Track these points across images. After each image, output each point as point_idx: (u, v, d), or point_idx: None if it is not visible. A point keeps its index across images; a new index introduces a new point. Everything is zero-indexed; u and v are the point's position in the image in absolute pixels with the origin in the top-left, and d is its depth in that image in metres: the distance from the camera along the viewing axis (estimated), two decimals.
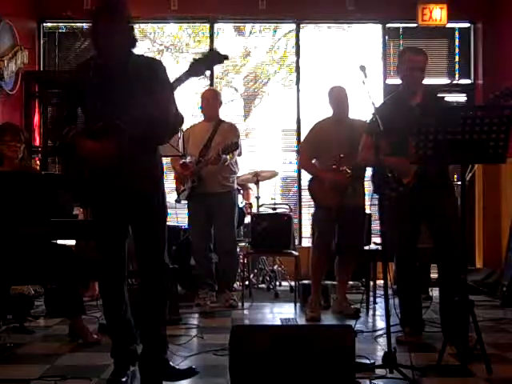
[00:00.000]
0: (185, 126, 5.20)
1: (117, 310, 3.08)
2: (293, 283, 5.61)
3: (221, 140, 5.07)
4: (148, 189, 2.97)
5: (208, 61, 2.78)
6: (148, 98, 2.77)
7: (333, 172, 4.46)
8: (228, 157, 4.97)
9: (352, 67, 6.58)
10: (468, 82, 7.14)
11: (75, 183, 2.95)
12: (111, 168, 2.81)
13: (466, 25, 7.13)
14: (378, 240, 5.23)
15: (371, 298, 5.12)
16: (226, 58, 2.79)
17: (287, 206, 6.87)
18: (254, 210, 6.24)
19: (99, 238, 3.06)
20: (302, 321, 4.56)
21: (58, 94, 3.09)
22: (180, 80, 2.79)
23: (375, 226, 5.61)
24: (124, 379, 2.98)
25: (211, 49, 2.95)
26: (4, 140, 3.98)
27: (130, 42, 2.97)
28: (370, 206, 4.75)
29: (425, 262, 5.05)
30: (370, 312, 4.93)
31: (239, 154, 5.27)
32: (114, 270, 3.03)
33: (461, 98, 7.15)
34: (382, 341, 3.79)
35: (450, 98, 7.01)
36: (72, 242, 4.95)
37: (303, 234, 7.13)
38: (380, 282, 4.00)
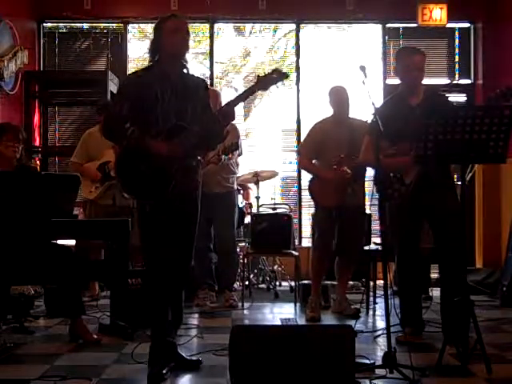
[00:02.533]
0: None
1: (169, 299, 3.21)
2: (293, 283, 5.61)
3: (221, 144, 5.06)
4: (195, 189, 3.29)
5: (273, 78, 3.16)
6: (201, 109, 3.21)
7: (333, 172, 4.46)
8: (227, 157, 4.97)
9: (352, 67, 6.58)
10: (468, 82, 7.13)
11: (136, 182, 3.10)
12: (169, 169, 3.06)
13: (466, 25, 7.13)
14: (378, 240, 5.23)
15: (371, 298, 5.12)
16: (287, 76, 3.21)
17: (287, 206, 6.87)
18: (254, 210, 6.24)
19: (155, 234, 3.16)
20: (302, 321, 4.56)
21: (118, 90, 3.29)
22: (248, 92, 3.18)
23: (375, 226, 5.61)
24: (165, 371, 3.08)
25: (276, 68, 3.22)
26: (2, 140, 3.98)
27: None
28: (370, 206, 4.76)
29: (425, 262, 5.05)
30: (370, 312, 4.93)
31: (240, 154, 5.27)
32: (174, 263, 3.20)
33: (461, 97, 7.15)
34: (382, 341, 3.79)
35: (450, 98, 7.02)
36: (72, 242, 4.95)
37: (303, 234, 7.13)
38: (380, 282, 4.00)
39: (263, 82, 3.17)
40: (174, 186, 3.06)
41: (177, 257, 3.24)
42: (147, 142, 3.07)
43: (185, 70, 3.26)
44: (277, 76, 3.17)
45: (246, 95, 3.21)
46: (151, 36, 3.30)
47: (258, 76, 3.20)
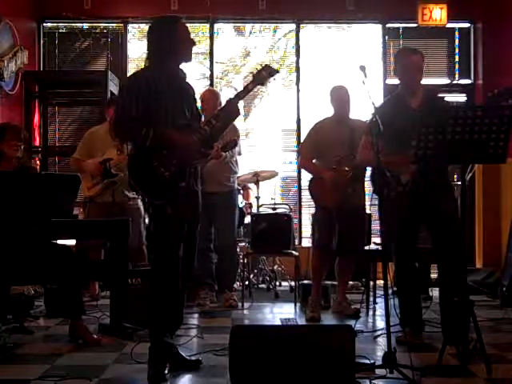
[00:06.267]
0: None
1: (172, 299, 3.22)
2: (293, 283, 5.61)
3: (221, 140, 5.06)
4: (197, 191, 3.33)
5: (265, 74, 3.24)
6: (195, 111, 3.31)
7: (333, 171, 4.46)
8: (228, 154, 4.97)
9: (352, 67, 6.58)
10: (468, 81, 7.14)
11: (152, 182, 3.12)
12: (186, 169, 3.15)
13: (466, 25, 7.13)
14: (378, 240, 5.23)
15: (371, 298, 5.12)
16: (277, 71, 3.30)
17: (287, 206, 6.87)
18: (254, 210, 6.24)
19: (165, 231, 3.16)
20: (302, 321, 4.56)
21: (126, 89, 3.28)
22: (247, 90, 3.24)
23: (375, 226, 5.61)
24: (166, 372, 3.08)
25: (266, 64, 3.34)
26: (5, 139, 4.00)
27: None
28: (370, 206, 4.76)
29: (425, 262, 5.05)
30: (370, 312, 4.93)
31: (239, 154, 5.27)
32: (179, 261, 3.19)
33: (461, 98, 7.15)
34: (382, 341, 3.79)
35: (450, 98, 7.02)
36: (72, 242, 4.95)
37: (303, 234, 7.12)
38: (380, 282, 4.00)
39: (258, 79, 3.26)
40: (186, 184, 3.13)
41: (182, 257, 3.24)
42: (170, 134, 3.10)
43: (181, 74, 3.30)
44: (269, 71, 3.26)
45: (246, 93, 3.26)
46: (157, 33, 3.25)
47: (253, 74, 3.30)
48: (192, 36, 3.28)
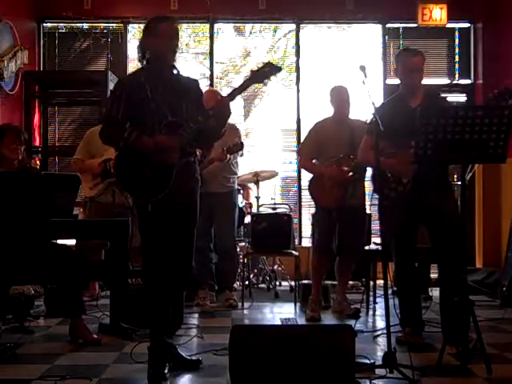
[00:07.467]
0: None
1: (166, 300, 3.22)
2: (293, 283, 5.61)
3: (222, 140, 5.05)
4: (193, 189, 3.29)
5: (266, 71, 3.13)
6: (195, 107, 3.20)
7: (334, 168, 4.46)
8: (231, 156, 4.98)
9: (352, 67, 6.58)
10: (468, 82, 7.14)
11: (136, 182, 3.13)
12: (170, 166, 3.07)
13: (466, 25, 7.13)
14: (378, 240, 5.23)
15: (371, 298, 5.12)
16: (280, 69, 3.18)
17: (287, 206, 6.87)
18: (254, 209, 6.24)
19: (153, 234, 3.17)
20: (302, 321, 4.56)
21: (111, 94, 3.37)
22: (242, 87, 3.15)
23: (375, 226, 5.61)
24: (166, 372, 3.08)
25: (268, 62, 3.24)
26: (4, 142, 3.99)
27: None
28: (370, 206, 4.76)
29: (425, 262, 5.05)
30: (370, 312, 4.93)
31: (241, 155, 5.27)
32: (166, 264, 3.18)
33: (461, 97, 7.15)
34: (382, 341, 3.79)
35: (450, 98, 7.01)
36: (72, 242, 4.95)
37: (303, 234, 7.12)
38: (380, 282, 4.00)
39: (257, 76, 3.15)
40: (172, 184, 3.06)
41: (177, 256, 3.23)
42: (145, 141, 3.08)
43: (175, 71, 3.27)
44: (270, 69, 3.15)
45: (241, 90, 3.18)
46: (142, 34, 3.33)
47: (252, 70, 3.20)
48: (167, 36, 3.20)
